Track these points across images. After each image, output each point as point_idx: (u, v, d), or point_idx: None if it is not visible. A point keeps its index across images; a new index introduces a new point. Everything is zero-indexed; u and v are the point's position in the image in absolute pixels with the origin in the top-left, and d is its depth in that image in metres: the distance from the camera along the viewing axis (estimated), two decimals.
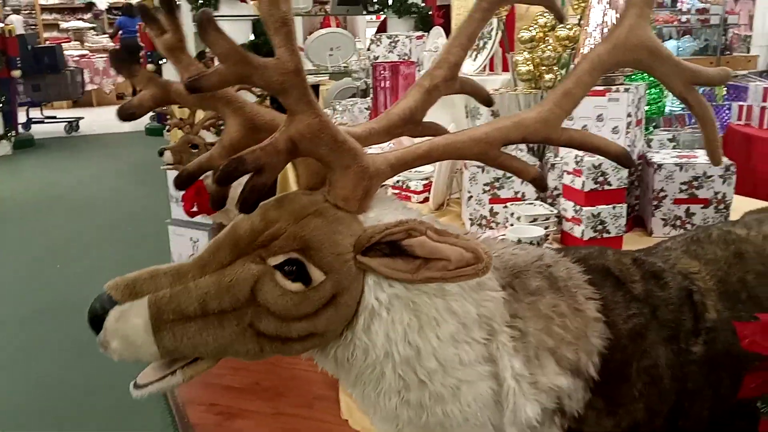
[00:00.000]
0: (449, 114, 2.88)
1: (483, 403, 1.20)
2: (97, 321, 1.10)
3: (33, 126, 12.06)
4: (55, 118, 12.62)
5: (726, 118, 5.98)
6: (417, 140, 1.27)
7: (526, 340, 1.22)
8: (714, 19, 8.15)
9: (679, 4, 8.93)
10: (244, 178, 1.04)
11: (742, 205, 2.13)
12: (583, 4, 2.57)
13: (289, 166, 1.18)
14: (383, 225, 1.12)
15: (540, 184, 1.26)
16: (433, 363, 1.15)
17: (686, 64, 1.26)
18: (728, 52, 8.55)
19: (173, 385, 1.17)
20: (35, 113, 12.44)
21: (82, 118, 12.46)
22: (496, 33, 3.09)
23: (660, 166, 2.31)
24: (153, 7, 1.31)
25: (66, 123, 12.34)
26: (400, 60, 3.89)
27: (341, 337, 1.18)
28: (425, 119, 1.40)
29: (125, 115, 1.23)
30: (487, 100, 1.48)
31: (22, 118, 11.90)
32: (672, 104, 4.92)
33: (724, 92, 6.49)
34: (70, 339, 4.26)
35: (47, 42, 13.33)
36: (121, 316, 1.09)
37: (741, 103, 5.24)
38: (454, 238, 1.09)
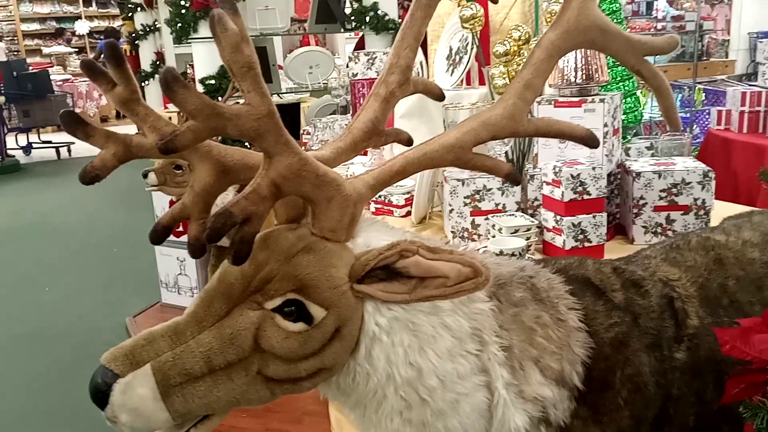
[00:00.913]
0: (428, 128, 2.89)
1: (479, 414, 1.20)
2: (101, 397, 1.06)
3: (17, 151, 12.16)
4: (51, 142, 12.66)
5: (705, 123, 6.04)
6: (397, 150, 1.26)
7: (511, 351, 1.21)
8: (690, 25, 8.22)
9: (654, 12, 9.01)
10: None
11: (722, 211, 2.13)
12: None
13: None
14: (375, 251, 1.12)
15: (513, 179, 1.27)
16: (434, 380, 1.15)
17: (636, 37, 1.27)
18: (705, 58, 8.63)
19: None
20: (32, 138, 12.59)
21: (73, 143, 12.43)
22: (472, 47, 3.11)
23: (639, 174, 2.31)
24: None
25: (56, 149, 12.42)
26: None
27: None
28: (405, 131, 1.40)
29: (89, 179, 1.15)
30: (439, 97, 1.47)
31: (13, 143, 12.02)
32: (651, 111, 4.97)
33: (703, 97, 6.55)
34: (53, 363, 4.24)
35: (30, 68, 13.33)
36: (126, 388, 1.06)
37: (720, 108, 5.29)
38: (449, 254, 1.09)
